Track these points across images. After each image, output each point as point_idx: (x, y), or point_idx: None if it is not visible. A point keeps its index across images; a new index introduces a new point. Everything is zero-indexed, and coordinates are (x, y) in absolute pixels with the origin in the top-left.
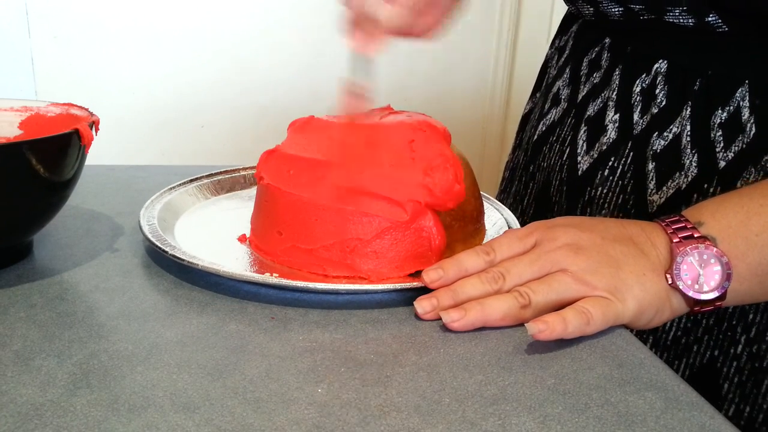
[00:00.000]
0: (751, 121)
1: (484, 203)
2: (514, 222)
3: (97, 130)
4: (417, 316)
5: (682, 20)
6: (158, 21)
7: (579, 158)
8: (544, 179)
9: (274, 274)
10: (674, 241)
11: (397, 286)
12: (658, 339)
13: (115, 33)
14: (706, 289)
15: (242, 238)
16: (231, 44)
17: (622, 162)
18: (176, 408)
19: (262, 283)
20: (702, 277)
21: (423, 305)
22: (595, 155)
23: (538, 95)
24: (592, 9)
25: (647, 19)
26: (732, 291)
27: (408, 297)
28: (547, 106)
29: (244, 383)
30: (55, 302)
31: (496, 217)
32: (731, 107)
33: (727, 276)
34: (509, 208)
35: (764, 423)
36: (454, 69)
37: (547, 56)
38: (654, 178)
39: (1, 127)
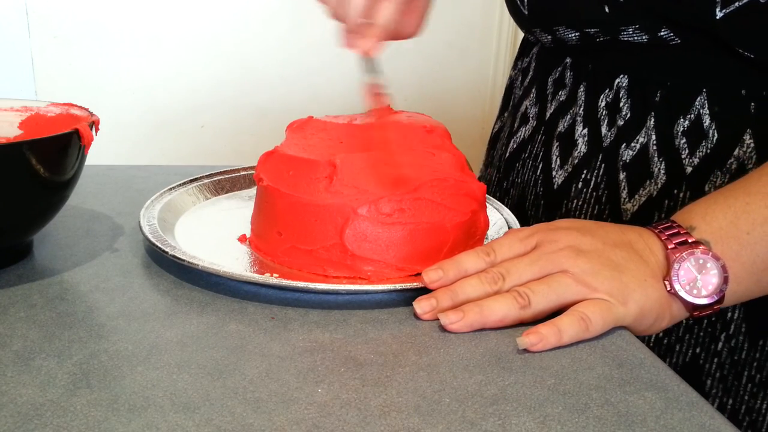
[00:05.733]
0: (713, 127)
1: None
2: (514, 222)
3: (97, 130)
4: (417, 316)
5: (636, 38)
6: (158, 21)
7: (554, 173)
8: (519, 194)
9: (275, 275)
10: (669, 247)
11: (397, 286)
12: (641, 340)
13: (115, 33)
14: (704, 293)
15: (242, 239)
16: (231, 45)
17: (595, 174)
18: (176, 408)
19: (262, 284)
20: (699, 281)
21: (422, 305)
22: (570, 169)
23: (506, 115)
24: (549, 37)
25: (603, 41)
26: (730, 292)
27: (408, 297)
28: (516, 125)
29: (244, 383)
30: (55, 302)
31: (496, 217)
32: (692, 115)
33: (724, 279)
34: None
35: (747, 413)
36: (454, 69)
37: (510, 78)
38: (626, 188)
39: (1, 127)
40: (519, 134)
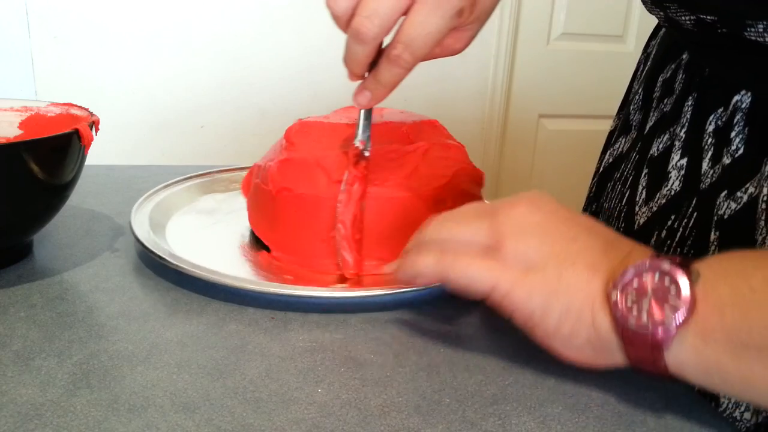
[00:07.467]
0: None
1: None
2: None
3: (97, 130)
4: (417, 316)
5: (767, 39)
6: (158, 21)
7: (637, 208)
8: (604, 223)
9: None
10: (646, 261)
11: (398, 289)
12: None
13: (115, 33)
14: (644, 319)
15: (264, 255)
16: (231, 44)
17: (684, 224)
18: (176, 408)
19: (342, 297)
20: (648, 301)
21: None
22: (655, 208)
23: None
24: (662, 14)
25: (725, 33)
26: (687, 347)
27: (408, 297)
28: (617, 132)
29: (244, 383)
30: (55, 302)
31: None
32: None
33: (682, 319)
34: None
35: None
36: (454, 69)
37: (638, 62)
38: (716, 253)
39: (1, 127)
40: (617, 145)
